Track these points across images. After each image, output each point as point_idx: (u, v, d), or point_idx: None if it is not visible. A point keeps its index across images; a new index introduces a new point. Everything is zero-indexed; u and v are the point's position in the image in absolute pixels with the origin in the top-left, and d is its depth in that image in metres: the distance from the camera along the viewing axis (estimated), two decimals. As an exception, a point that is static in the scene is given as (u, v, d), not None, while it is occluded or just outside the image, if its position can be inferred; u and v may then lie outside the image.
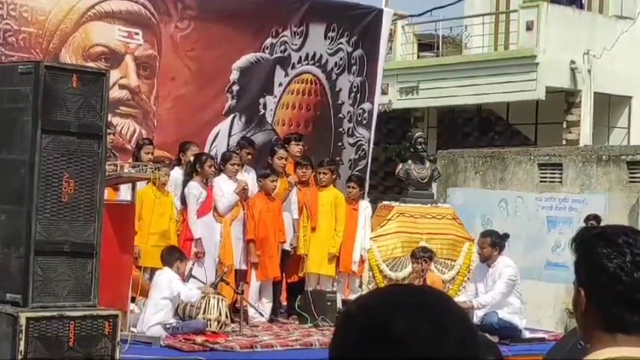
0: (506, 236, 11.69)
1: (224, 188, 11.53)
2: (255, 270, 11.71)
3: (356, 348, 1.66)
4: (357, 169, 14.77)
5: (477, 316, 11.09)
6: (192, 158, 11.75)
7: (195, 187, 11.34)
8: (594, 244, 2.46)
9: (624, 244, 2.43)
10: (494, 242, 11.38)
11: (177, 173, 11.81)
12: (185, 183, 11.48)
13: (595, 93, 22.61)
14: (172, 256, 10.38)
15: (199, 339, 9.82)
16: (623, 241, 2.44)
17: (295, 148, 12.70)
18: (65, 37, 12.54)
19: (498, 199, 18.29)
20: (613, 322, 2.44)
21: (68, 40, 12.56)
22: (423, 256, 11.96)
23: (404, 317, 1.66)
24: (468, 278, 12.83)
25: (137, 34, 13.11)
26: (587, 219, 14.65)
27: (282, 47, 14.34)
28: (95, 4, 12.72)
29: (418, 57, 25.78)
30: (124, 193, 10.81)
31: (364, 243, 12.63)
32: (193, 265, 11.25)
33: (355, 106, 15.06)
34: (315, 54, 14.71)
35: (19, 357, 6.85)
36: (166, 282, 10.13)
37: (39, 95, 7.18)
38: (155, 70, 13.34)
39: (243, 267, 11.71)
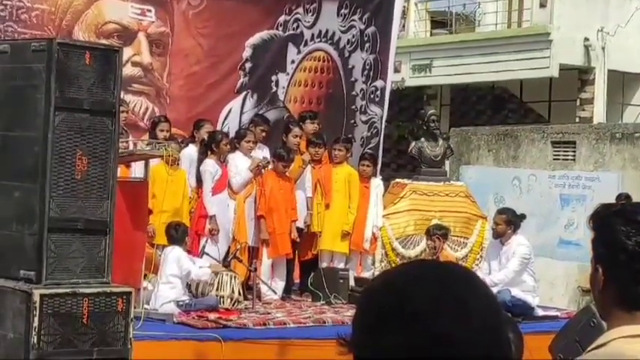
0: (523, 217, 11.62)
1: (239, 165, 11.54)
2: (267, 247, 11.72)
3: (377, 324, 1.66)
4: (369, 146, 14.74)
5: (489, 294, 11.07)
6: (206, 136, 11.75)
7: (211, 165, 11.35)
8: (613, 221, 2.45)
9: (643, 222, 2.42)
10: (509, 220, 11.35)
11: (191, 150, 11.81)
12: (200, 161, 11.48)
13: (609, 70, 22.50)
14: (179, 232, 10.38)
15: (212, 316, 9.84)
16: (642, 218, 2.43)
17: (310, 127, 12.68)
18: (78, 14, 12.52)
19: (511, 177, 18.26)
20: (631, 301, 2.43)
21: (81, 17, 12.55)
22: (437, 233, 11.97)
23: (426, 295, 1.65)
24: (481, 256, 12.83)
25: (150, 11, 13.08)
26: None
27: (295, 24, 14.29)
28: (108, -19, 12.71)
29: (431, 34, 25.70)
30: (137, 170, 10.81)
31: (376, 221, 12.62)
32: (206, 242, 11.28)
33: (368, 84, 15.02)
34: (327, 31, 14.66)
35: (33, 333, 6.88)
36: (175, 260, 10.14)
37: (52, 72, 7.17)
38: (168, 48, 13.32)
39: (256, 244, 11.72)
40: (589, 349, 2.45)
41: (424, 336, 1.62)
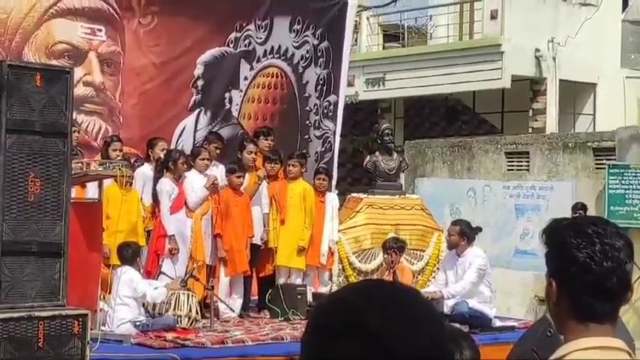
0: (478, 230, 11.67)
1: (194, 183, 11.48)
2: (224, 265, 11.68)
3: (329, 342, 1.66)
4: (323, 161, 14.76)
5: (447, 306, 11.12)
6: (161, 154, 11.70)
7: (167, 184, 11.29)
8: (564, 234, 2.47)
9: (593, 234, 2.44)
10: (462, 231, 11.40)
11: (145, 169, 11.76)
12: (156, 180, 11.41)
13: (560, 80, 22.71)
14: (129, 252, 10.31)
15: (170, 336, 9.77)
16: (593, 230, 2.45)
17: (264, 143, 12.68)
18: (27, 35, 12.44)
19: (466, 189, 18.35)
20: (585, 312, 2.44)
21: (30, 38, 12.47)
22: (393, 246, 11.98)
23: (377, 312, 1.66)
24: (438, 268, 12.86)
25: (100, 30, 13.03)
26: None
27: (247, 41, 14.31)
28: (57, 1, 12.62)
29: (384, 48, 25.81)
30: (92, 191, 10.73)
31: (332, 235, 12.62)
32: (163, 262, 11.21)
33: (321, 99, 15.05)
34: (280, 47, 14.68)
35: (-12, 359, 6.80)
36: (128, 281, 10.06)
37: (2, 94, 7.12)
38: (119, 67, 13.27)
39: (214, 262, 11.67)
40: (547, 361, 2.46)
41: (375, 352, 1.62)
